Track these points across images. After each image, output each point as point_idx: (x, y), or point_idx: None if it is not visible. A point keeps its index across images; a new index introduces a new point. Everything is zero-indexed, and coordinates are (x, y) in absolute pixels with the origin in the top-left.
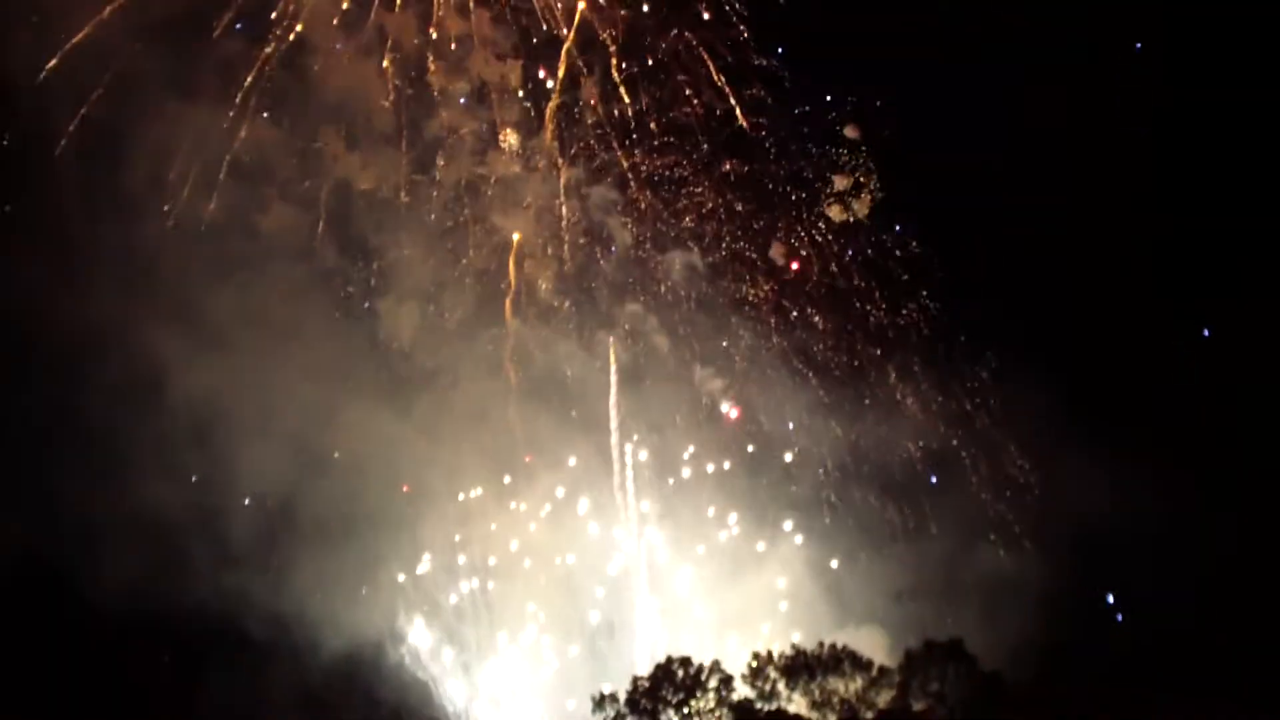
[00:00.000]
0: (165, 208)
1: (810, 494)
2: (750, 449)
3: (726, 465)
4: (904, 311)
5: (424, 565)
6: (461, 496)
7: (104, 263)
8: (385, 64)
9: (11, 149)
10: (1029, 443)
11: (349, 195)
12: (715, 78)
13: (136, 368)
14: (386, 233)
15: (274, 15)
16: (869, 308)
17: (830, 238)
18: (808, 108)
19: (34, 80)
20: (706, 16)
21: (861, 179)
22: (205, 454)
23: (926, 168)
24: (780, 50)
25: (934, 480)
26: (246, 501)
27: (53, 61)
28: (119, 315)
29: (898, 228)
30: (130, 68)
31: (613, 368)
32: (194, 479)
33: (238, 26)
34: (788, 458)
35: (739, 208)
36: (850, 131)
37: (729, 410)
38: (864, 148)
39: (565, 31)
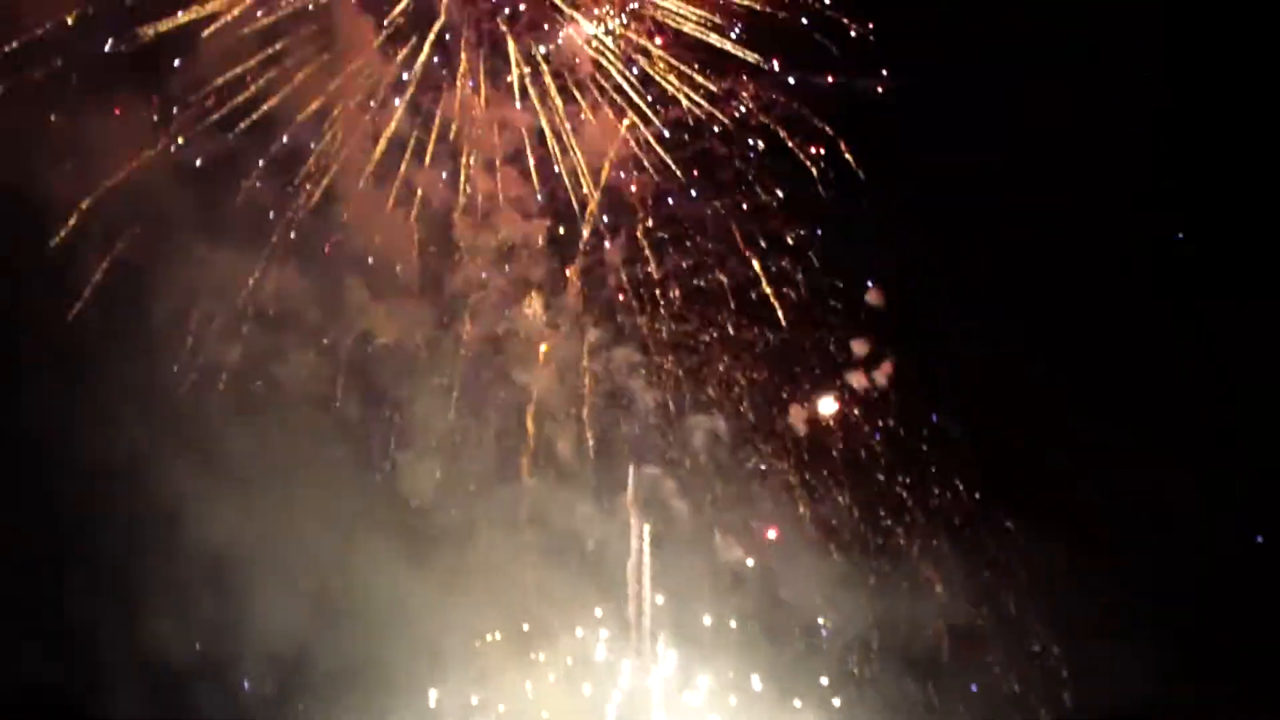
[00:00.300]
0: (188, 350)
1: (834, 666)
2: (772, 618)
3: (748, 632)
4: (932, 492)
5: None
6: (478, 644)
7: (125, 402)
8: (412, 217)
9: (39, 284)
10: (1059, 621)
11: (372, 346)
12: (740, 247)
13: (153, 509)
14: (407, 386)
15: (306, 165)
16: (894, 485)
17: (854, 408)
18: (837, 282)
19: (67, 217)
20: (734, 183)
21: (884, 348)
22: (218, 600)
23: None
24: (811, 222)
25: (959, 657)
26: (258, 650)
27: (86, 201)
28: (137, 455)
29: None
30: (162, 209)
31: (632, 532)
32: (206, 624)
33: (268, 174)
34: (811, 628)
35: (760, 375)
36: (874, 297)
37: (750, 579)
38: (887, 315)
39: (592, 192)
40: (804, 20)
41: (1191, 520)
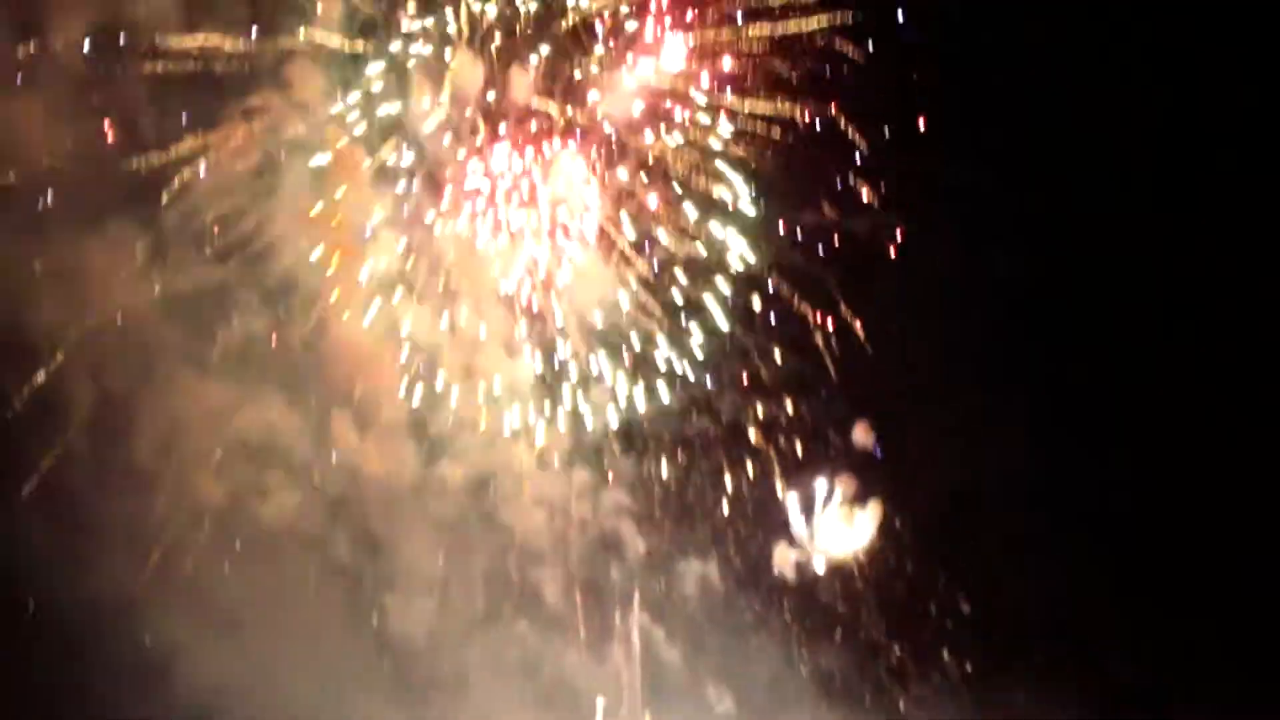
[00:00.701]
0: (174, 486)
1: None
2: None
3: None
4: (925, 648)
5: None
6: None
7: (110, 538)
8: (401, 356)
9: (27, 416)
10: None
11: (358, 483)
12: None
13: (138, 650)
14: (394, 525)
15: (296, 297)
16: (887, 639)
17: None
18: (830, 433)
19: (54, 351)
20: None
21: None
22: None
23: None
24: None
25: None
26: None
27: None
28: (122, 594)
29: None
30: (150, 341)
31: (623, 679)
32: None
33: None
34: None
35: (745, 527)
36: (861, 436)
37: None
38: (873, 459)
39: (576, 333)
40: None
41: None
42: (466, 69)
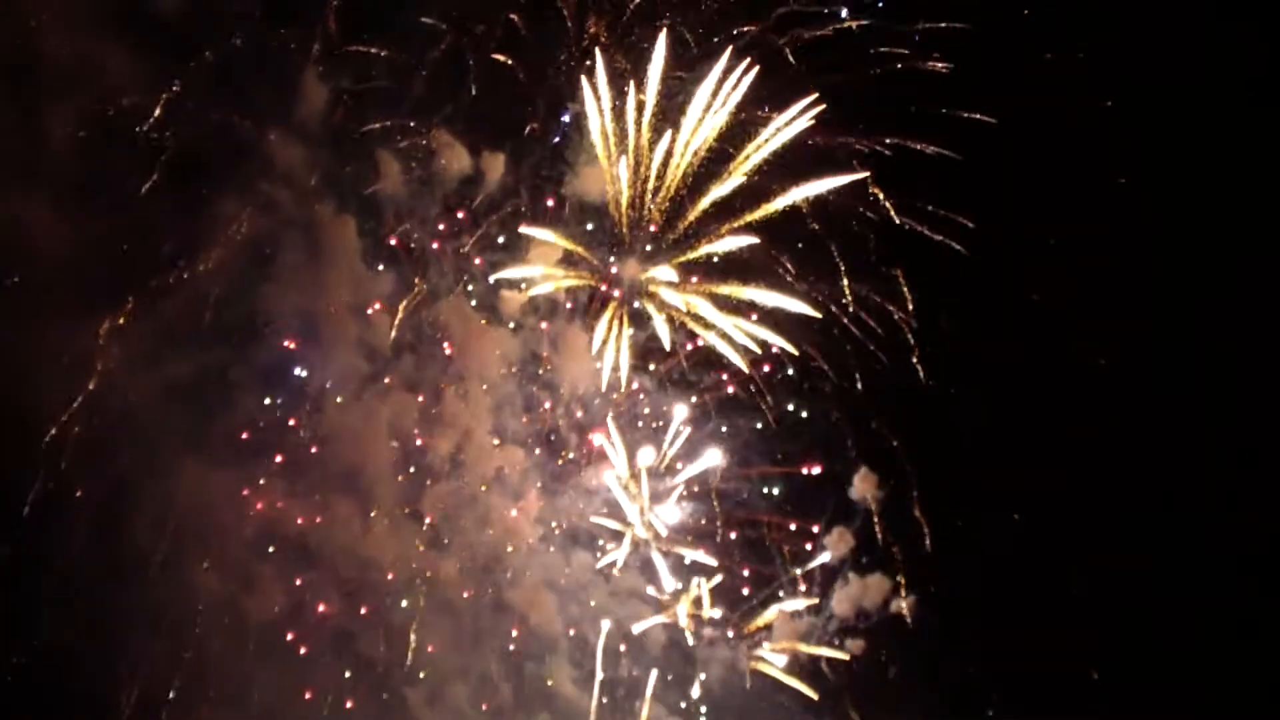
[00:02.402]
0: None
1: None
2: None
3: None
4: None
5: None
6: None
7: (119, 626)
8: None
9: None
10: None
11: (367, 572)
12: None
13: None
14: (407, 614)
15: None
16: None
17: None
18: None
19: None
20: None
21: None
22: None
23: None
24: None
25: None
26: None
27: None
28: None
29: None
30: (149, 422)
31: None
32: None
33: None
34: None
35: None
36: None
37: None
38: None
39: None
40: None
41: None
42: None
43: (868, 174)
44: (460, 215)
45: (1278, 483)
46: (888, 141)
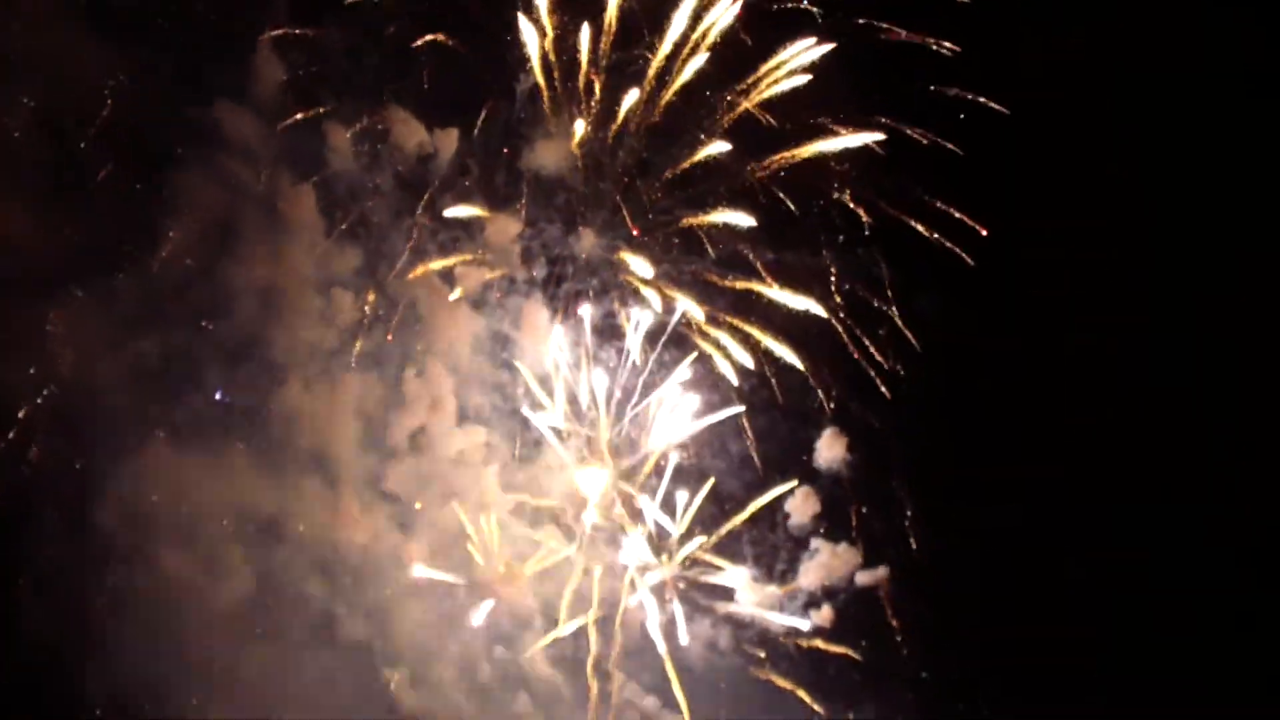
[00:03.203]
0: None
1: None
2: None
3: None
4: None
5: None
6: None
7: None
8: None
9: None
10: None
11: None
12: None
13: None
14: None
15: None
16: None
17: None
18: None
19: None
20: None
21: None
22: None
23: None
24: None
25: None
26: None
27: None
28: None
29: None
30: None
31: None
32: None
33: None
34: None
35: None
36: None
37: None
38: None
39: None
40: None
41: None
42: None
43: (881, 135)
44: (418, 193)
45: (1275, 474)
46: (881, 121)
